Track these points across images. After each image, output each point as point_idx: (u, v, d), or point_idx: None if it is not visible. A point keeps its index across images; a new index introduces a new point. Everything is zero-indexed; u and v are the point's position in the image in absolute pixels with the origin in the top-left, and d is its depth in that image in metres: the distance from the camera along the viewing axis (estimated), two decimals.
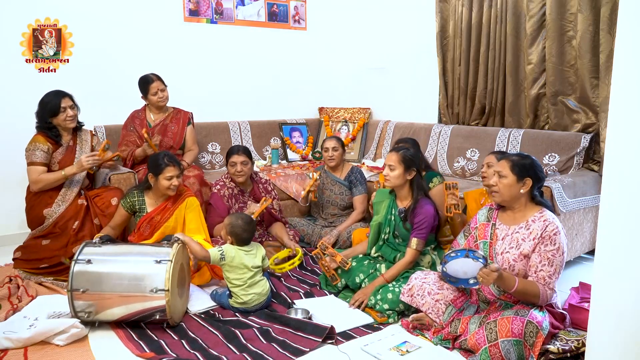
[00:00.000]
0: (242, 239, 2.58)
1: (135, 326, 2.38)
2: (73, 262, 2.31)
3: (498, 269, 2.00)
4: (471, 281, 2.08)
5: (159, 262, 2.33)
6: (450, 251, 2.15)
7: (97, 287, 2.28)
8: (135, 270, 2.33)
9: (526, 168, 2.17)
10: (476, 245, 2.31)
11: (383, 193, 2.85)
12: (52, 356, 2.13)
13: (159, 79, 3.55)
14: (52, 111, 2.98)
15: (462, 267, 2.08)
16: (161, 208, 2.85)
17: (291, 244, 3.23)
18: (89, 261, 2.31)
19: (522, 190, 2.17)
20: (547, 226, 2.10)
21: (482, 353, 1.98)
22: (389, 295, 2.48)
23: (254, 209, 3.07)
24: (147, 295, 2.27)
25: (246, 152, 3.33)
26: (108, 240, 2.56)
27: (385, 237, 2.79)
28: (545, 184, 2.85)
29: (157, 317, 2.31)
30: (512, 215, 2.24)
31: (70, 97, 3.06)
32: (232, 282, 2.54)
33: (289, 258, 3.11)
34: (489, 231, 2.29)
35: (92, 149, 3.20)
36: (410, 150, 2.72)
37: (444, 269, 2.14)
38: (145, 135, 3.37)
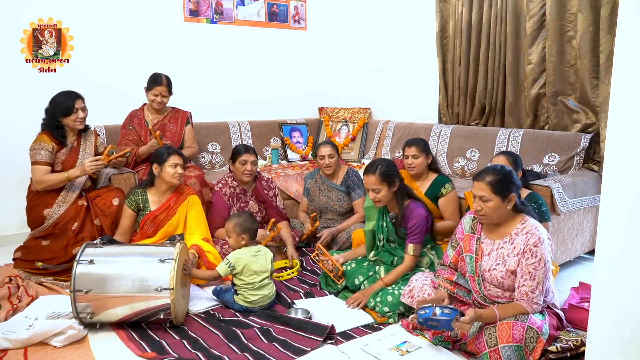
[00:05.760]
0: (253, 230, 2.64)
1: (136, 326, 2.37)
2: (75, 263, 2.29)
3: (472, 319, 1.95)
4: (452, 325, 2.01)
5: (163, 261, 2.32)
6: (419, 308, 2.07)
7: (100, 288, 2.26)
8: (139, 271, 2.31)
9: (506, 184, 2.08)
10: (462, 259, 2.25)
11: None
12: (52, 356, 2.13)
13: (168, 85, 3.55)
14: (65, 110, 2.97)
15: (435, 320, 2.00)
16: (165, 206, 2.86)
17: (290, 254, 3.20)
18: (91, 261, 2.29)
19: (508, 207, 2.10)
20: (528, 239, 2.05)
21: (483, 358, 1.98)
22: (389, 298, 2.48)
23: (265, 236, 3.07)
24: (152, 295, 2.26)
25: (254, 151, 3.38)
26: (109, 241, 2.54)
27: (381, 244, 2.80)
28: (545, 184, 2.86)
29: (162, 316, 2.30)
30: (496, 230, 2.17)
31: (83, 99, 3.06)
32: (241, 286, 2.55)
33: (285, 269, 3.11)
34: (474, 245, 2.22)
35: (96, 149, 3.19)
36: (382, 164, 2.63)
37: (420, 321, 2.05)
38: (152, 130, 3.40)
